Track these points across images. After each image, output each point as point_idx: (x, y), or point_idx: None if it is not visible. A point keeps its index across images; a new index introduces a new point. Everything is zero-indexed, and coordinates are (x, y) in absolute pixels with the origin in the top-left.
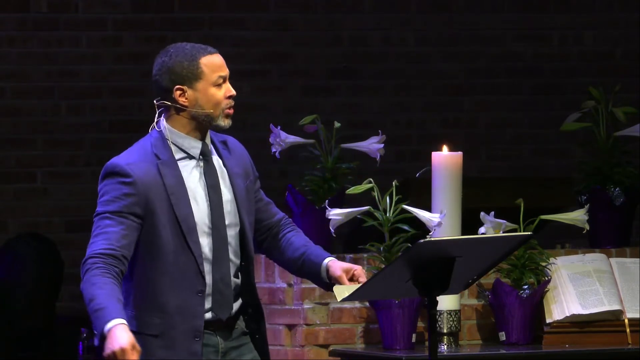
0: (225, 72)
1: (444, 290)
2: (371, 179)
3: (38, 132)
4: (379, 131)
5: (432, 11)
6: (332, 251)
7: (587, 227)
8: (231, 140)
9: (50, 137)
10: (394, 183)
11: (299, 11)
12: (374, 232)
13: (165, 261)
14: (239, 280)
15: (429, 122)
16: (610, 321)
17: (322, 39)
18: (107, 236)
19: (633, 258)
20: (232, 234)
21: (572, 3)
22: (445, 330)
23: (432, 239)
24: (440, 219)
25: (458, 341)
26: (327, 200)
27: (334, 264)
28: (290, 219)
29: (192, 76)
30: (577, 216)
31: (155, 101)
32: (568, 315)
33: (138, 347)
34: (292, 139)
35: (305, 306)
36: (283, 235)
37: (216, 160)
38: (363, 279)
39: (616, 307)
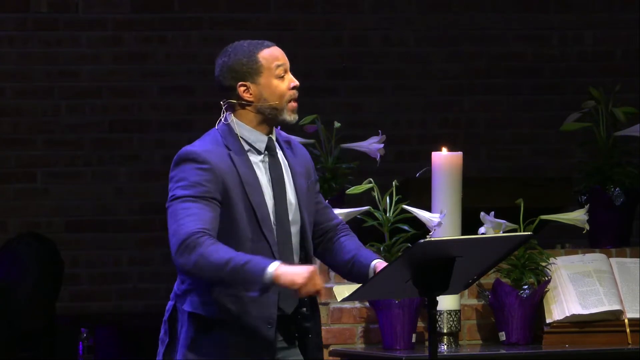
0: (285, 63)
1: (444, 290)
2: (371, 179)
3: (38, 132)
4: (379, 131)
5: (432, 11)
6: None
7: (587, 227)
8: (295, 141)
9: (50, 137)
10: (394, 183)
11: (299, 11)
12: (374, 232)
13: (243, 249)
14: None
15: (429, 122)
16: (610, 321)
17: (322, 39)
18: (196, 217)
19: (633, 258)
20: (293, 231)
21: (572, 3)
22: (445, 330)
23: (432, 239)
24: (440, 219)
25: (458, 341)
26: (327, 200)
27: (381, 265)
28: (347, 225)
29: (252, 71)
30: (577, 216)
31: (221, 102)
32: (568, 315)
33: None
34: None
35: None
36: (337, 239)
37: (281, 157)
38: None
39: (616, 307)
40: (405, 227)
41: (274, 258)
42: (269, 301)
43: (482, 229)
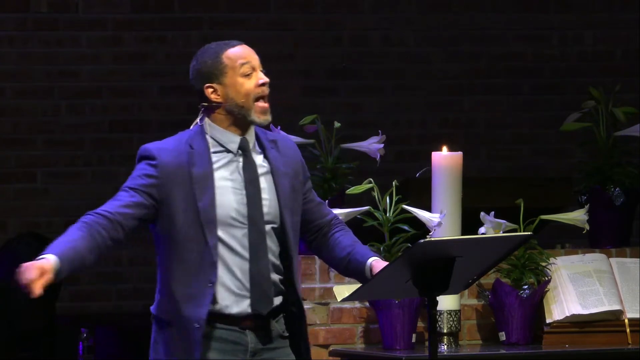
0: (252, 60)
1: (444, 290)
2: (371, 179)
3: (38, 132)
4: (379, 131)
5: (432, 11)
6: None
7: (587, 227)
8: (283, 140)
9: (50, 137)
10: (394, 183)
11: (299, 11)
12: (374, 232)
13: (179, 249)
14: (276, 278)
15: (429, 122)
16: (610, 321)
17: (322, 39)
18: (113, 202)
19: (633, 258)
20: (270, 230)
21: (572, 3)
22: (445, 330)
23: (432, 239)
24: (440, 219)
25: (458, 341)
26: (327, 200)
27: (377, 264)
28: (341, 220)
29: (218, 72)
30: (577, 216)
31: (199, 107)
32: (568, 315)
33: (45, 270)
34: (292, 139)
35: (306, 306)
36: (332, 235)
37: (259, 157)
38: None
39: (616, 307)
40: (405, 227)
41: (212, 261)
42: (202, 302)
43: (482, 229)
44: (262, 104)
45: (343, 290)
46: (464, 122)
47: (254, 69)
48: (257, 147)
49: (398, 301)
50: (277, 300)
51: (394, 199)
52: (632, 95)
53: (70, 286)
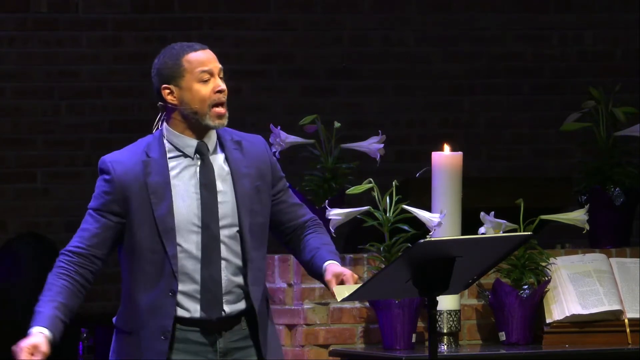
0: (211, 67)
1: (444, 290)
2: (371, 179)
3: (38, 132)
4: (379, 131)
5: (432, 11)
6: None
7: (587, 227)
8: (249, 141)
9: (50, 137)
10: (394, 183)
11: (299, 11)
12: (374, 232)
13: (140, 260)
14: (239, 280)
15: (429, 122)
16: (610, 321)
17: (322, 39)
18: (82, 234)
19: (633, 258)
20: (228, 233)
21: (572, 3)
22: (445, 330)
23: (432, 239)
24: (440, 219)
25: (458, 341)
26: (327, 200)
27: (329, 268)
28: (319, 221)
29: (176, 74)
30: (577, 216)
31: (158, 105)
32: (568, 315)
33: (40, 350)
34: (292, 139)
35: (305, 306)
36: (303, 237)
37: (218, 160)
38: (351, 283)
39: (616, 307)
40: (405, 227)
41: (171, 270)
42: (166, 312)
43: (482, 229)
44: (218, 109)
45: (343, 290)
46: (464, 122)
47: (212, 75)
48: (218, 150)
49: (398, 301)
50: (239, 305)
51: (394, 199)
52: (632, 95)
53: None
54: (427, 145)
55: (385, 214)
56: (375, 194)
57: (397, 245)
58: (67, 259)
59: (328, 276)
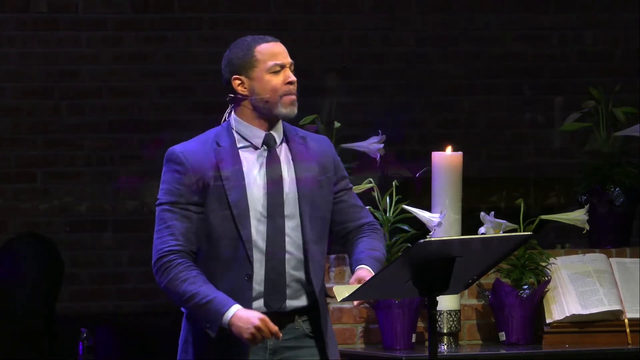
0: (282, 59)
1: (444, 290)
2: (371, 179)
3: (38, 132)
4: (379, 131)
5: (432, 11)
6: (332, 251)
7: (587, 227)
8: (314, 138)
9: (50, 137)
10: (393, 183)
11: (299, 11)
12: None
13: (216, 246)
14: (299, 275)
15: (429, 122)
16: (610, 321)
17: (322, 39)
18: (172, 231)
19: (633, 258)
20: (291, 225)
21: (572, 3)
22: (445, 330)
23: (432, 239)
24: (440, 219)
25: (458, 341)
26: None
27: (357, 272)
28: (377, 226)
29: (247, 65)
30: (577, 216)
31: (227, 98)
32: (568, 315)
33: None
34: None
35: None
36: (356, 239)
37: (284, 152)
38: None
39: (616, 307)
40: (405, 227)
41: (246, 255)
42: (244, 296)
43: (482, 229)
44: (289, 96)
45: (343, 290)
46: (464, 122)
47: (283, 67)
48: (284, 142)
49: (398, 301)
50: (300, 298)
51: (394, 199)
52: (632, 95)
53: (70, 286)
54: (427, 145)
55: (385, 214)
56: (375, 194)
57: (397, 245)
58: (178, 256)
59: (351, 280)
